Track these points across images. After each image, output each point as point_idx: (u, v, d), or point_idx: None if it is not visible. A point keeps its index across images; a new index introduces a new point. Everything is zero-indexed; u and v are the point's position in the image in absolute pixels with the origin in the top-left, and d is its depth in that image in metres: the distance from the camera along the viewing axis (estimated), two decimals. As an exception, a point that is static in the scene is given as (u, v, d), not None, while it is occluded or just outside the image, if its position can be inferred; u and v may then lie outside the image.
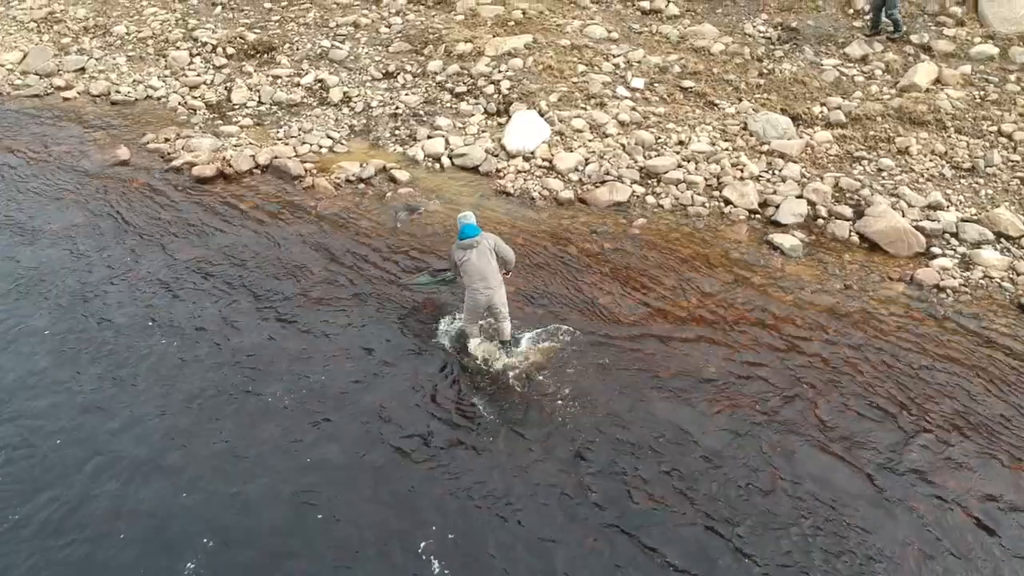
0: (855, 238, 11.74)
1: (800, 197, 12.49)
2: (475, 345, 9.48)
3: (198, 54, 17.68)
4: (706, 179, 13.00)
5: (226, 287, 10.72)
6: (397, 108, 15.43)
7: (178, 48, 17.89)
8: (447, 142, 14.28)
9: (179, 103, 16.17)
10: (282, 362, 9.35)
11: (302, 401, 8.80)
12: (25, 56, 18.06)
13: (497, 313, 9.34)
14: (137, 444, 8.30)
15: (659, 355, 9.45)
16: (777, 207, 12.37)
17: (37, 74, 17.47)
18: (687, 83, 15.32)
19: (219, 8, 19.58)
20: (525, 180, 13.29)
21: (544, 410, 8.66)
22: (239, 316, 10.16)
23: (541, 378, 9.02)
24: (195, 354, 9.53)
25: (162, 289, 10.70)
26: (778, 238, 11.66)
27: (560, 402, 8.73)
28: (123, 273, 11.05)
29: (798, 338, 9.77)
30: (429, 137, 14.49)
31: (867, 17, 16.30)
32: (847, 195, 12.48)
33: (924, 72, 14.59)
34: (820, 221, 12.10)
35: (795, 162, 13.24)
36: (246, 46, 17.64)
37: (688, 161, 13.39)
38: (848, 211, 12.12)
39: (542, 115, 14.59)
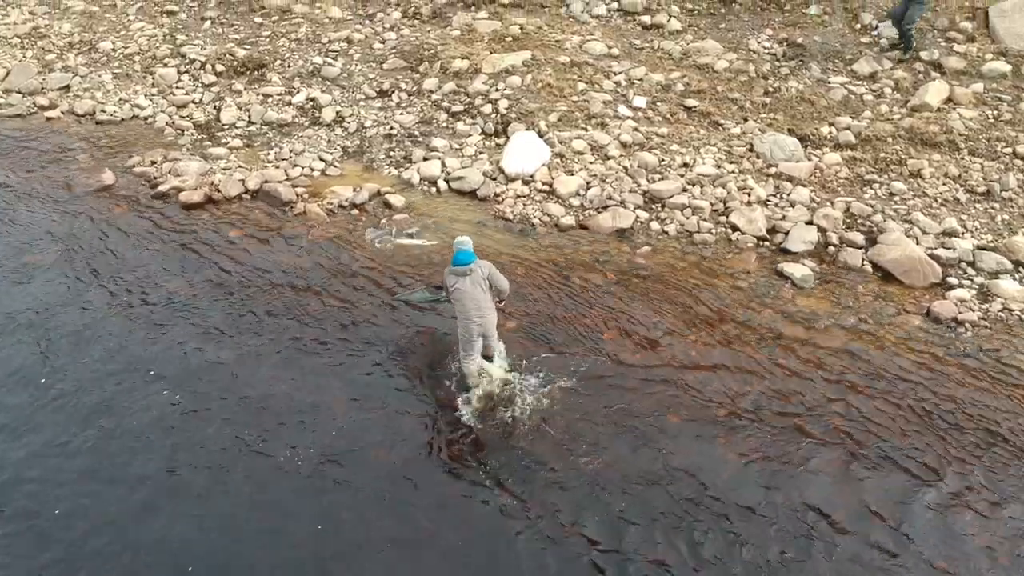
0: (868, 267, 11.44)
1: (810, 223, 12.20)
2: (473, 390, 9.22)
3: (186, 71, 17.31)
4: (712, 204, 12.69)
5: (222, 327, 10.37)
6: (392, 128, 15.10)
7: (166, 65, 17.53)
8: (443, 164, 13.95)
9: (167, 123, 15.82)
10: (291, 415, 8.99)
11: (313, 461, 8.43)
12: (8, 73, 17.66)
13: (487, 335, 9.26)
14: (143, 508, 7.97)
15: (670, 398, 9.14)
16: (786, 234, 12.06)
17: (20, 92, 17.10)
18: (691, 102, 15.02)
19: (208, 23, 19.24)
20: (524, 205, 12.97)
21: (557, 468, 8.33)
22: (239, 360, 9.81)
23: (552, 431, 8.70)
24: (198, 406, 9.16)
25: (156, 330, 10.33)
26: (788, 267, 11.35)
27: (574, 458, 8.43)
28: (114, 313, 10.66)
29: (813, 376, 9.46)
30: (425, 159, 14.15)
31: (874, 33, 16.01)
32: (858, 221, 12.18)
33: (935, 91, 14.30)
34: (831, 249, 11.80)
35: (804, 185, 12.94)
36: (236, 63, 17.29)
37: (693, 184, 13.07)
38: (860, 238, 11.82)
39: (541, 136, 14.27)
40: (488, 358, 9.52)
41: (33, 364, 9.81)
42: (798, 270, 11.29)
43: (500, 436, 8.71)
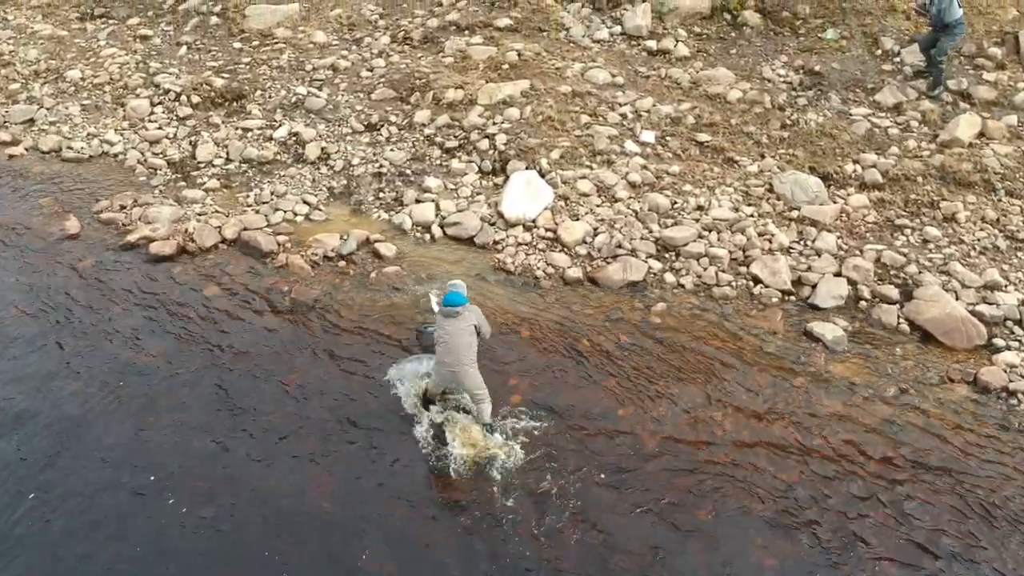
0: (905, 326, 10.66)
1: (839, 275, 11.44)
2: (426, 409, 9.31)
3: (160, 103, 16.44)
4: (731, 252, 11.91)
5: (214, 414, 9.42)
6: (381, 166, 14.26)
7: (138, 96, 16.65)
8: (438, 207, 13.13)
9: (138, 161, 14.93)
10: (311, 530, 8.07)
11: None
12: (-32, 106, 16.80)
13: (473, 396, 8.91)
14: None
15: (697, 489, 8.38)
16: (814, 287, 11.29)
17: (-19, 127, 16.23)
18: (703, 136, 14.23)
19: (184, 48, 18.39)
20: (527, 255, 12.17)
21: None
22: (241, 458, 8.85)
23: (567, 529, 7.94)
24: (212, 521, 8.17)
25: (144, 421, 9.31)
26: (818, 328, 10.56)
27: (594, 562, 7.61)
28: (95, 400, 9.58)
29: (855, 461, 8.69)
30: (418, 201, 13.33)
31: (897, 60, 15.26)
32: (891, 272, 11.41)
33: (967, 124, 13.53)
34: (863, 304, 11.04)
35: (829, 231, 12.16)
36: (213, 93, 16.43)
37: (709, 231, 12.28)
38: (894, 292, 11.05)
39: (543, 175, 13.46)
40: (489, 426, 8.99)
41: (17, 472, 8.75)
42: (829, 331, 10.51)
43: (516, 538, 7.89)
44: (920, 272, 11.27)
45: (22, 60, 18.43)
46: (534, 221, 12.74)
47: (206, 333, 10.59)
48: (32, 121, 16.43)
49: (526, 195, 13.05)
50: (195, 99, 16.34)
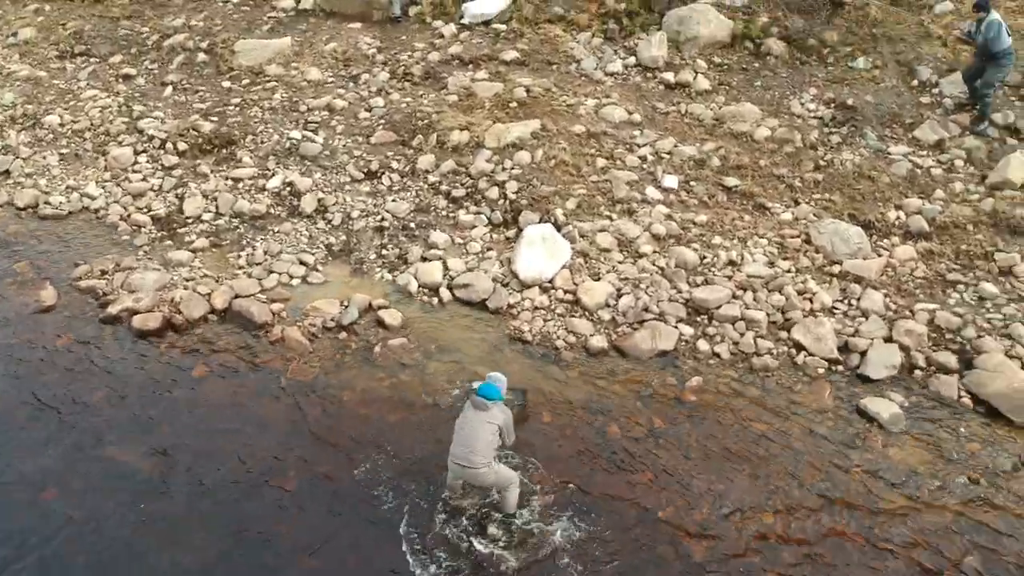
0: (967, 399, 9.91)
1: (890, 340, 10.66)
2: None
3: (144, 151, 15.64)
4: (769, 315, 11.16)
5: (200, 526, 8.47)
6: (383, 219, 13.46)
7: (120, 144, 15.86)
8: (445, 266, 12.35)
9: (120, 217, 14.11)
10: None
11: None
12: (-61, 158, 16.03)
13: (492, 488, 8.41)
14: None
15: (752, 613, 7.52)
16: (863, 354, 10.54)
17: (-47, 181, 15.45)
18: (730, 180, 13.48)
19: (169, 88, 17.63)
20: (545, 320, 11.40)
21: None
22: None
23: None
24: None
25: (137, 542, 8.35)
26: (872, 405, 9.80)
27: None
28: (79, 518, 8.57)
29: (927, 571, 7.83)
30: (424, 259, 12.56)
31: (935, 91, 14.51)
32: (947, 336, 10.65)
33: (1018, 164, 12.74)
34: (918, 374, 10.30)
35: (875, 288, 11.42)
36: (201, 139, 15.63)
37: (744, 289, 11.52)
38: (952, 360, 10.32)
39: (559, 228, 12.69)
40: (508, 515, 8.43)
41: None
42: (885, 408, 9.74)
43: None
44: (979, 336, 10.54)
45: (-3, 105, 17.67)
46: (551, 281, 11.98)
47: (195, 427, 9.73)
48: (7, 173, 15.59)
49: (542, 252, 12.28)
50: (182, 146, 15.53)
